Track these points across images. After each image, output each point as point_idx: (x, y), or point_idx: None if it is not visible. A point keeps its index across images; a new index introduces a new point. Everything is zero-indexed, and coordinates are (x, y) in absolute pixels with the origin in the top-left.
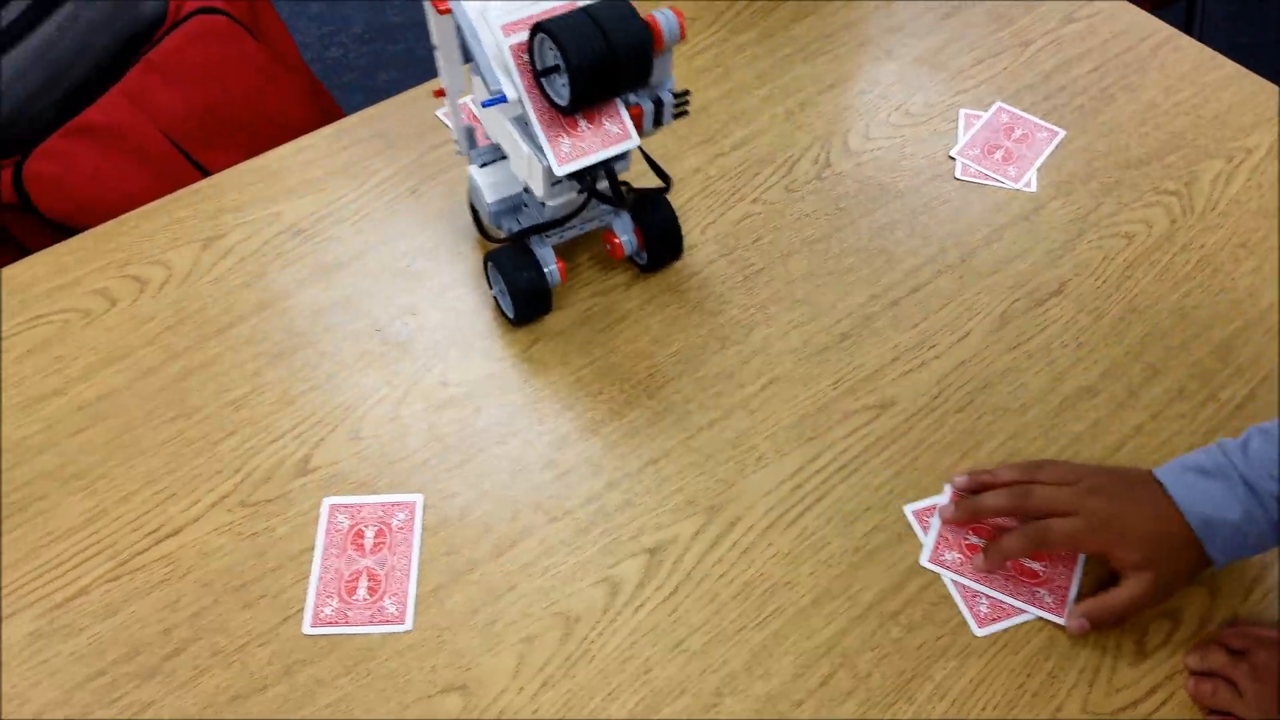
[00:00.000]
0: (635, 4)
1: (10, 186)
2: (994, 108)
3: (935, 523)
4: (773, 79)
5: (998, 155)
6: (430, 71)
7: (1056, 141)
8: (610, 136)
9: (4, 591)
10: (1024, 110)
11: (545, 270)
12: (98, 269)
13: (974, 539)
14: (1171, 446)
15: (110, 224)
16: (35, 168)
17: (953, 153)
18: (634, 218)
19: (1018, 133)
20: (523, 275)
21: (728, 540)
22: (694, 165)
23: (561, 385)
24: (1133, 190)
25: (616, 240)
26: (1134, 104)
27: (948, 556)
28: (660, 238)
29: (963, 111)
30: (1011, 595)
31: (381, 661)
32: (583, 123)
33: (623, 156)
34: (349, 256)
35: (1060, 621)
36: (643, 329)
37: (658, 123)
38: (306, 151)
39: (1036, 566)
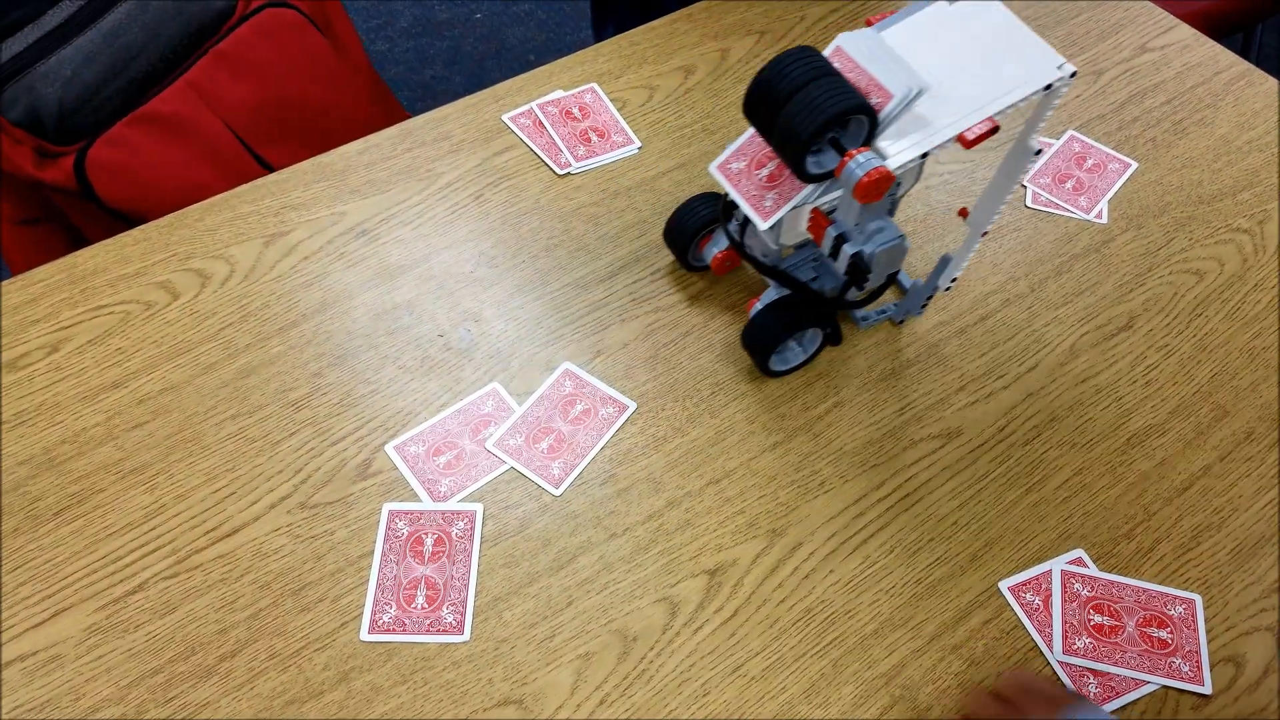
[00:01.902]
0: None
1: (73, 173)
2: (1066, 136)
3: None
4: None
5: (1069, 185)
6: (475, 76)
7: (1129, 173)
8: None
9: (63, 584)
10: (1096, 140)
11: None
12: (160, 261)
13: (1097, 618)
14: (1239, 490)
15: (174, 216)
16: (98, 155)
17: (1024, 180)
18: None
19: (1090, 162)
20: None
21: (789, 565)
22: None
23: (623, 399)
24: (1205, 226)
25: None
26: (1207, 139)
27: (1079, 644)
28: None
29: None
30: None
31: (439, 671)
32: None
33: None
34: (412, 260)
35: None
36: (706, 345)
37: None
38: (371, 151)
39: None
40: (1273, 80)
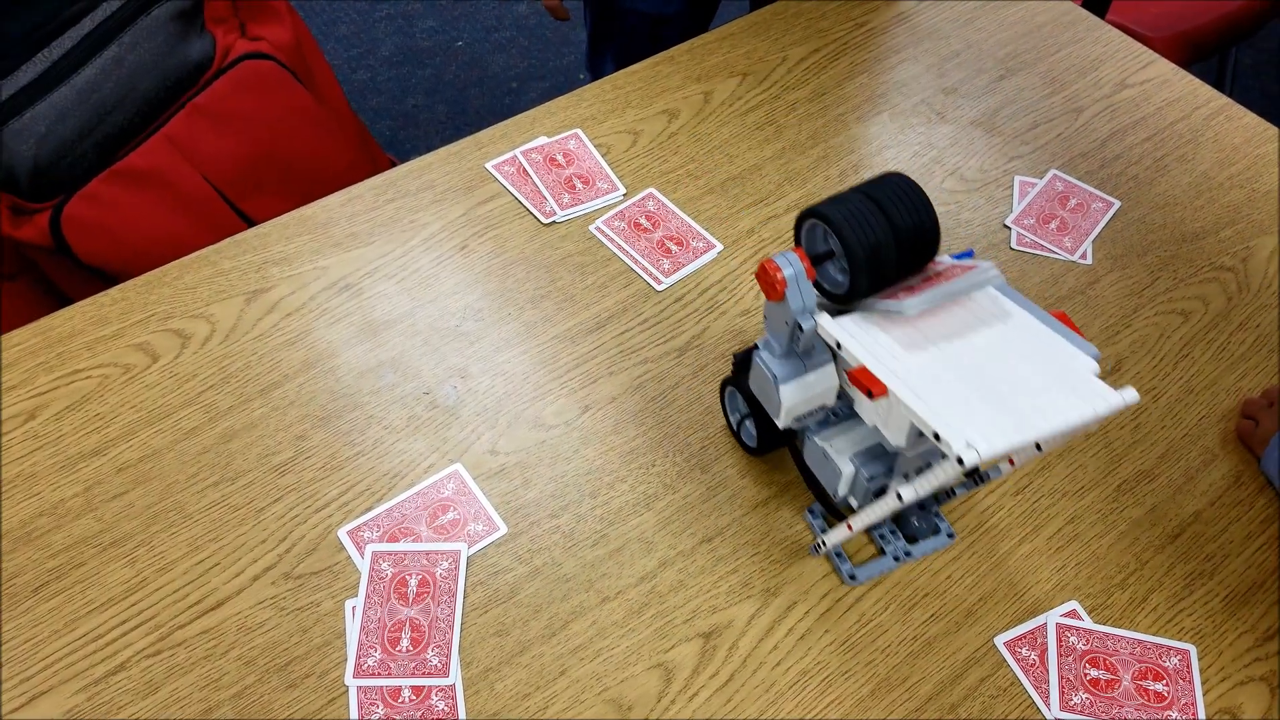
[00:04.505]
0: None
1: (48, 230)
2: (1049, 175)
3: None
4: (825, 139)
5: (1053, 225)
6: (458, 105)
7: (1112, 212)
8: None
9: (42, 665)
10: (1079, 179)
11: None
12: (139, 321)
13: (1093, 672)
14: (1229, 535)
15: (152, 274)
16: (74, 212)
17: (1008, 221)
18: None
19: (1073, 202)
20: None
21: (784, 625)
22: (747, 227)
23: (613, 456)
24: (1188, 265)
25: None
26: (1188, 175)
27: (1075, 700)
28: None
29: (1018, 179)
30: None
31: None
32: None
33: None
34: (397, 315)
35: None
36: (695, 397)
37: None
38: (353, 203)
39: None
40: (1251, 115)
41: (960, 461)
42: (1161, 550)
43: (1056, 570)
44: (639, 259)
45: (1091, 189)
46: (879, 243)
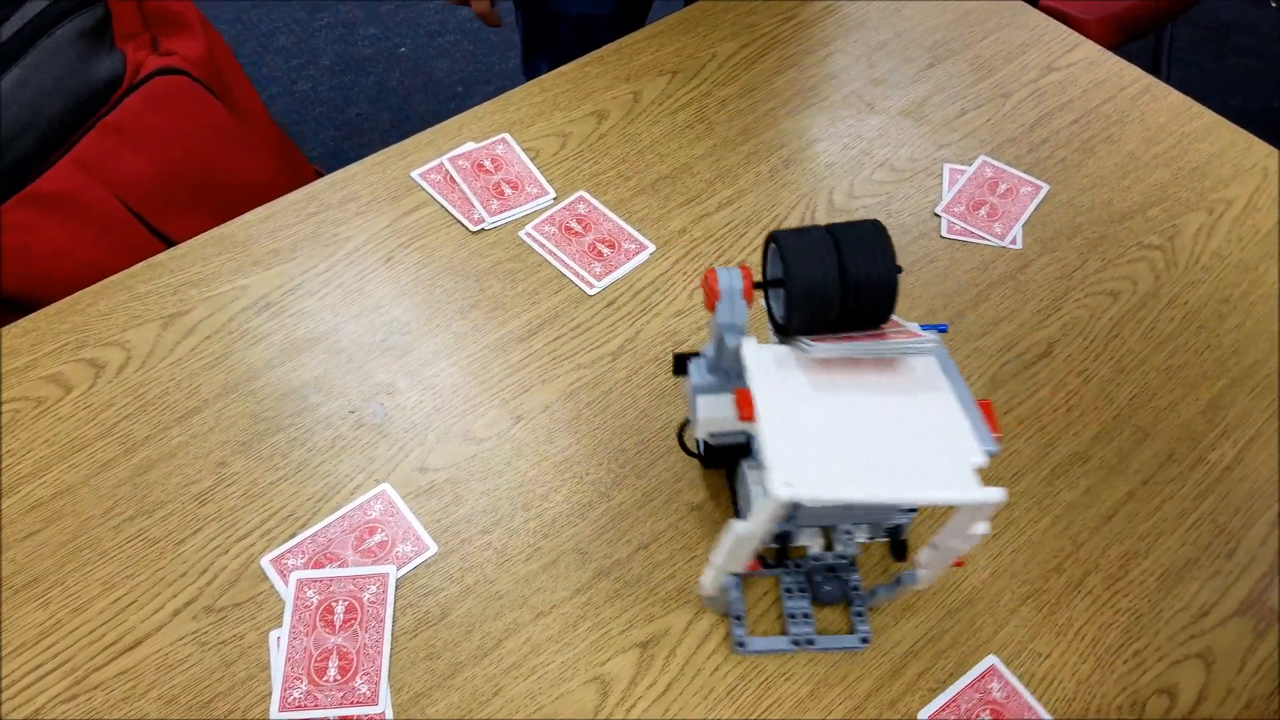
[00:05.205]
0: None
1: None
2: (978, 162)
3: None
4: (756, 134)
5: (983, 211)
6: (403, 111)
7: (1041, 196)
8: None
9: None
10: (1008, 164)
11: None
12: (50, 352)
13: None
14: (1163, 513)
15: (64, 302)
16: None
17: (938, 210)
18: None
19: (1002, 187)
20: None
21: (720, 630)
22: (679, 226)
23: (547, 466)
24: (1117, 246)
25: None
26: (1115, 156)
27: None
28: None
29: (947, 166)
30: None
31: None
32: None
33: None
34: (320, 333)
35: None
36: (630, 402)
37: None
38: (274, 219)
39: None
40: (1176, 93)
41: (772, 495)
42: (1096, 532)
43: (993, 558)
44: (570, 263)
45: (1020, 173)
46: (822, 283)
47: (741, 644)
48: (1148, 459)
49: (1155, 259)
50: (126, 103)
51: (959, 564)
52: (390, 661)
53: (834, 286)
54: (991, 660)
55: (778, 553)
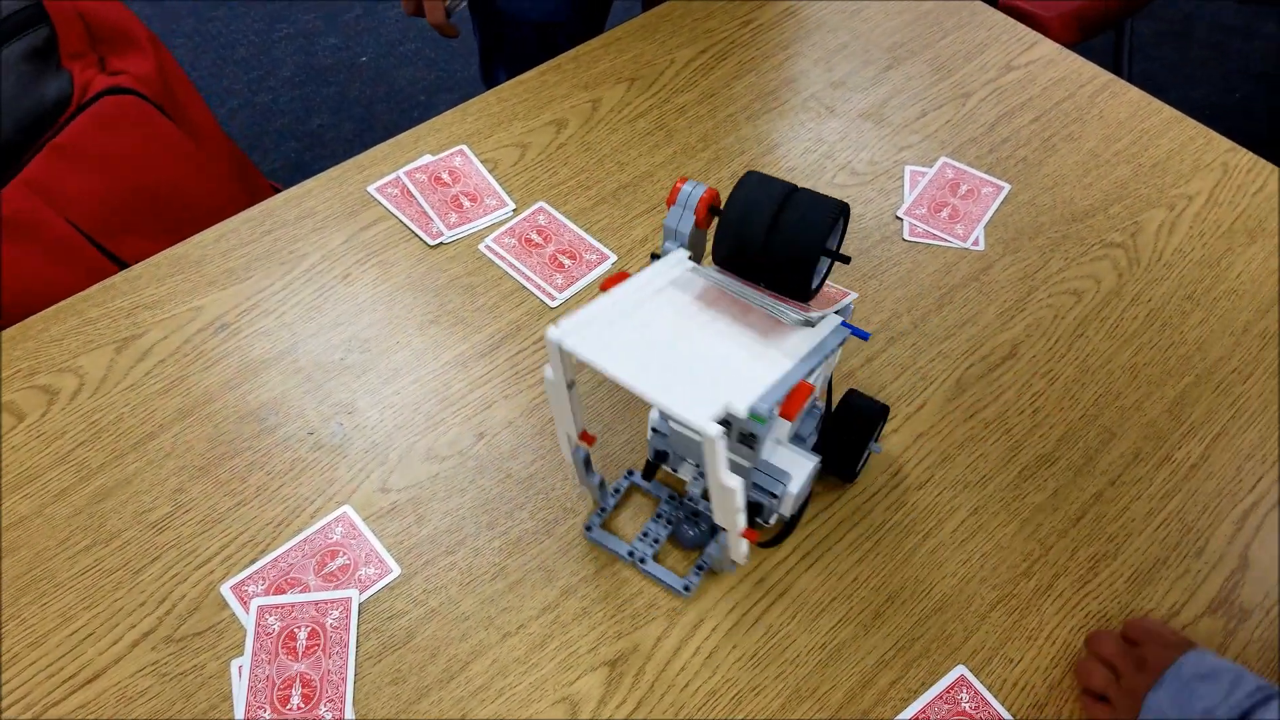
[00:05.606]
0: None
1: None
2: (939, 163)
3: None
4: (716, 141)
5: (944, 213)
6: (365, 121)
7: (1002, 196)
8: None
9: None
10: (969, 165)
11: None
12: (1, 381)
13: None
14: (1131, 514)
15: (14, 329)
16: None
17: (899, 213)
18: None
19: (964, 189)
20: None
21: (691, 645)
22: (640, 235)
23: (511, 483)
24: (1079, 244)
25: None
26: (1076, 154)
27: None
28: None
29: (908, 169)
30: None
31: None
32: None
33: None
34: (277, 353)
35: None
36: (594, 415)
37: None
38: (228, 238)
39: None
40: (1135, 90)
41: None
42: (1065, 535)
43: (962, 563)
44: (531, 276)
45: (981, 174)
46: (750, 223)
47: (589, 528)
48: (1114, 459)
49: (1118, 257)
50: (75, 123)
51: (750, 536)
52: (355, 687)
53: (759, 231)
54: (960, 670)
55: (647, 467)
